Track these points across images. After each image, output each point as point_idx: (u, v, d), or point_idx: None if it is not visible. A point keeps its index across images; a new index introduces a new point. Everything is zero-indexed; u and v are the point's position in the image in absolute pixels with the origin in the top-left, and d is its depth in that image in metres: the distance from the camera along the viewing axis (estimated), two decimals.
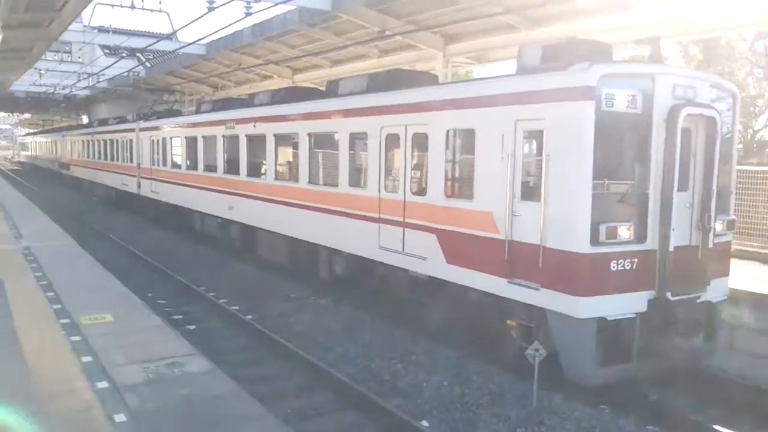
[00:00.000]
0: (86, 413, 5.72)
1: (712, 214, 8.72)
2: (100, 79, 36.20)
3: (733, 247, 12.99)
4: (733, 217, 9.79)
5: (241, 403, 6.20)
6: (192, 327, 11.54)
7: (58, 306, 9.10)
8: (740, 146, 37.51)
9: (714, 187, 8.74)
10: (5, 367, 6.64)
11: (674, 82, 8.49)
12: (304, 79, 27.17)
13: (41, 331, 7.92)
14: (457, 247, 9.86)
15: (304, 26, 20.54)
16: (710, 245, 8.76)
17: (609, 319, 7.98)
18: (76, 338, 7.68)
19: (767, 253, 13.12)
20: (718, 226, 9.06)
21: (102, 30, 31.86)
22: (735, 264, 11.23)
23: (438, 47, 19.59)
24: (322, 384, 8.92)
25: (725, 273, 9.50)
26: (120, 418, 5.63)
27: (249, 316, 12.06)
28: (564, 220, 8.14)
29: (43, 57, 30.08)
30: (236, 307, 12.67)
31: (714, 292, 9.00)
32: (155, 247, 19.39)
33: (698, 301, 8.80)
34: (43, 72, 35.96)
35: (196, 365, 6.95)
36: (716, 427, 7.83)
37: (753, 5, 13.10)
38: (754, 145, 38.81)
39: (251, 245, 16.86)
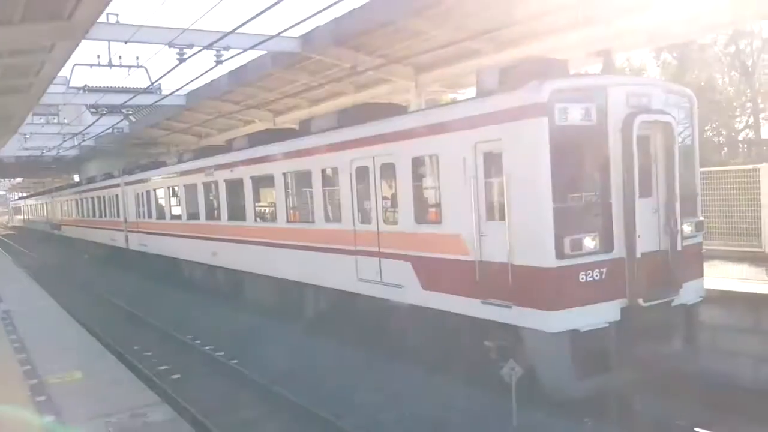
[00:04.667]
0: None
1: (678, 217, 8.79)
2: (86, 138, 36.53)
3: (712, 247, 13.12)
4: (702, 218, 9.83)
5: None
6: (176, 376, 11.47)
7: (28, 367, 9.05)
8: (725, 148, 37.92)
9: (677, 191, 8.83)
10: None
11: (627, 92, 8.62)
12: (285, 121, 27.38)
13: (7, 393, 7.84)
14: (431, 272, 9.88)
15: (278, 69, 20.82)
16: (679, 248, 8.80)
17: (582, 330, 7.97)
18: (41, 398, 7.61)
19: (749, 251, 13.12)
20: (686, 229, 9.12)
21: (83, 89, 32.28)
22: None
23: (410, 78, 19.81)
24: (305, 424, 8.84)
25: (699, 275, 9.52)
26: None
27: (234, 361, 11.98)
28: (528, 236, 8.18)
29: (27, 121, 30.46)
30: (221, 353, 12.59)
31: (688, 294, 9.02)
32: (143, 300, 19.36)
33: (673, 305, 8.80)
34: (27, 136, 36.28)
35: (160, 414, 6.92)
36: (698, 429, 7.76)
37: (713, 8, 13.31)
38: (744, 146, 39.09)
39: (237, 289, 16.85)
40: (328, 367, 11.25)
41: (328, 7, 10.97)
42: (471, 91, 20.46)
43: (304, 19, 11.97)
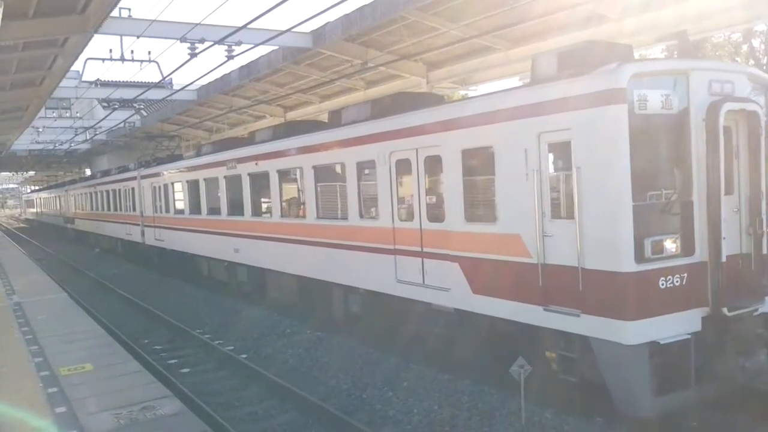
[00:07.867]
0: None
1: (764, 217, 7.95)
2: (98, 132, 36.03)
3: None
4: None
5: None
6: (186, 370, 11.33)
7: (40, 359, 9.08)
8: None
9: (763, 188, 8.00)
10: None
11: (710, 78, 7.79)
12: (296, 116, 26.78)
13: (19, 384, 7.82)
14: (483, 274, 9.04)
15: (289, 64, 20.16)
16: (765, 251, 7.97)
17: (662, 342, 7.14)
18: (53, 389, 7.63)
19: None
20: None
21: (96, 83, 31.73)
22: None
23: (421, 74, 19.29)
24: (313, 418, 8.61)
25: None
26: None
27: (243, 355, 11.72)
28: (604, 238, 7.34)
29: (40, 115, 29.93)
30: (231, 347, 12.37)
31: None
32: (156, 295, 18.91)
33: (756, 314, 7.96)
34: (40, 129, 35.85)
35: (169, 408, 6.88)
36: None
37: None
38: None
39: (260, 288, 16.10)
40: (338, 364, 10.77)
41: (339, 3, 10.56)
42: (483, 88, 19.80)
43: (316, 15, 11.53)
